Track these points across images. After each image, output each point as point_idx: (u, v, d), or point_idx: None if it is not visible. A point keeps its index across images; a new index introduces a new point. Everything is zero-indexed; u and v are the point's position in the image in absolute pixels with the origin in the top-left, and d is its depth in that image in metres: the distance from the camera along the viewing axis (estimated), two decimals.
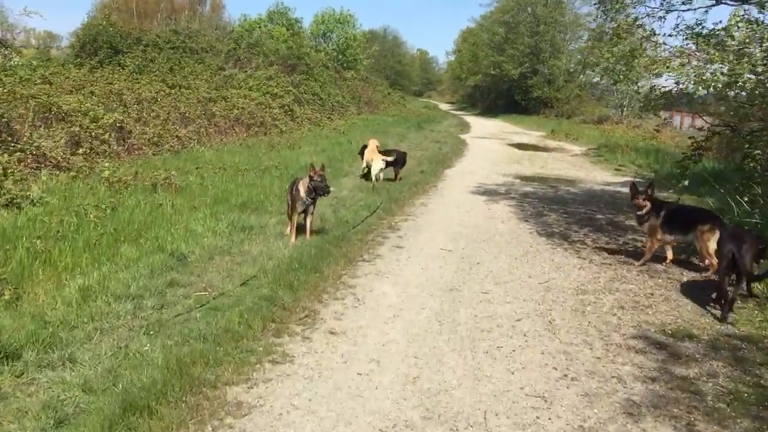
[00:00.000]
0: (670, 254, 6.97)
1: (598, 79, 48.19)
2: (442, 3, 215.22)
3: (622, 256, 7.23)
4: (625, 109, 37.27)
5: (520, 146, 23.31)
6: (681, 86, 7.68)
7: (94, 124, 12.19)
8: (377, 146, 12.24)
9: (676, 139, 26.59)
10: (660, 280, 6.37)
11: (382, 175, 11.84)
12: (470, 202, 10.42)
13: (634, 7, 9.23)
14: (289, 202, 7.48)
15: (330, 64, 35.51)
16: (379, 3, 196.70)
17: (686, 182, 9.23)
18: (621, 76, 9.54)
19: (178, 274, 5.79)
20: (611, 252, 7.44)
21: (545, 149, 22.63)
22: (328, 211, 9.03)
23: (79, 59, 21.32)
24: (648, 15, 9.14)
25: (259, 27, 38.19)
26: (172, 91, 18.33)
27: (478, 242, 7.60)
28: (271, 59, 26.67)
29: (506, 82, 51.90)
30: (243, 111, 19.33)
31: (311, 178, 7.26)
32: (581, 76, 49.62)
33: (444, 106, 73.41)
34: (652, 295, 5.87)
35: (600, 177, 14.80)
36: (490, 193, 11.48)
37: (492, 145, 22.84)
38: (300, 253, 6.60)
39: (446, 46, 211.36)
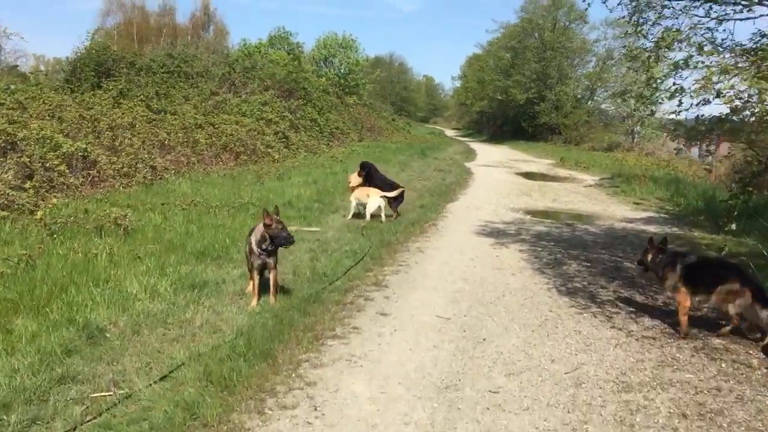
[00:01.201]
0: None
1: (608, 105, 47.86)
2: (448, 30, 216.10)
3: (666, 325, 5.70)
4: (636, 135, 35.81)
5: (529, 176, 21.88)
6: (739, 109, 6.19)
7: (53, 153, 10.85)
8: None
9: (693, 168, 25.21)
10: (723, 364, 4.84)
11: (383, 215, 10.46)
12: (475, 246, 8.93)
13: (676, 18, 7.73)
14: (247, 255, 6.01)
15: (331, 90, 34.38)
16: (385, 31, 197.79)
17: (734, 225, 7.74)
18: (661, 99, 7.98)
19: (81, 360, 4.33)
20: (652, 317, 5.92)
21: (556, 179, 21.20)
22: (305, 259, 7.58)
23: (69, 84, 20.14)
24: (692, 27, 7.65)
25: (259, 51, 37.17)
26: (157, 116, 17.08)
27: (484, 305, 6.09)
28: (267, 84, 25.47)
29: (513, 108, 50.84)
30: (231, 138, 18.00)
31: (267, 226, 5.80)
32: (589, 102, 48.53)
33: (450, 133, 72.38)
34: (719, 391, 4.34)
35: (619, 212, 13.30)
36: (497, 233, 9.98)
37: (499, 175, 21.42)
38: (255, 323, 5.13)
39: (452, 73, 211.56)
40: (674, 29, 7.57)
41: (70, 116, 13.93)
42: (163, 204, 9.89)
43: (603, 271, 7.64)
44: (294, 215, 10.38)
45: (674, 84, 7.35)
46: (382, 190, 10.73)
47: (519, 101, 47.09)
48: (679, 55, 7.46)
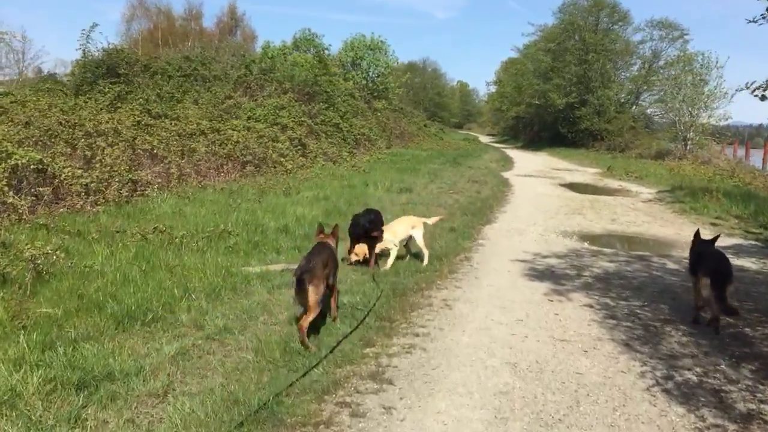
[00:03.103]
0: None
1: (654, 109, 44.74)
2: (483, 37, 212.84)
3: None
4: (689, 142, 32.79)
5: (576, 188, 19.30)
6: None
7: None
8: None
9: (759, 179, 22.30)
10: None
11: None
12: (523, 296, 6.52)
13: None
14: None
15: (358, 94, 32.21)
16: (419, 39, 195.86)
17: None
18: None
19: None
20: None
21: (607, 192, 18.59)
22: (282, 318, 5.32)
23: (81, 88, 18.37)
24: None
25: (283, 54, 35.25)
26: (154, 122, 15.09)
27: (548, 427, 3.71)
28: (286, 86, 23.38)
29: (551, 113, 48.12)
30: (237, 146, 15.89)
31: None
32: (633, 107, 45.54)
33: (484, 139, 69.80)
34: None
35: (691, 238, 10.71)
36: (551, 274, 7.54)
37: (541, 187, 18.88)
38: None
39: (486, 78, 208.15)
40: None
41: (48, 122, 12.01)
42: (117, 232, 7.72)
43: (719, 346, 5.16)
44: (287, 245, 8.13)
45: None
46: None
47: (558, 106, 44.33)
48: None
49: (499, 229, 10.73)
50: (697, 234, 6.72)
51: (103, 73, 19.14)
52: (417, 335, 5.07)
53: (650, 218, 12.85)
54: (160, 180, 12.26)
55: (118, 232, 7.71)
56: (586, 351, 4.84)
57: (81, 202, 9.78)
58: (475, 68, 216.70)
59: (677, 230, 11.40)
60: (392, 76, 40.42)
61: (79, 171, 10.32)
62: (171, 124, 15.43)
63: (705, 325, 5.62)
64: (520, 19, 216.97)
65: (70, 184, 9.99)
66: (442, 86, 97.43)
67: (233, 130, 17.10)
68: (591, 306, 6.10)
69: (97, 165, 11.05)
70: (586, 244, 9.72)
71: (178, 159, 13.44)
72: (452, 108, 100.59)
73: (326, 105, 24.67)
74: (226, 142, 15.83)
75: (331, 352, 4.57)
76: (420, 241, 7.85)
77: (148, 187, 11.67)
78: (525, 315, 5.73)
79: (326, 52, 36.83)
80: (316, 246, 5.39)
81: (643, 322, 5.63)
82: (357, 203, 12.26)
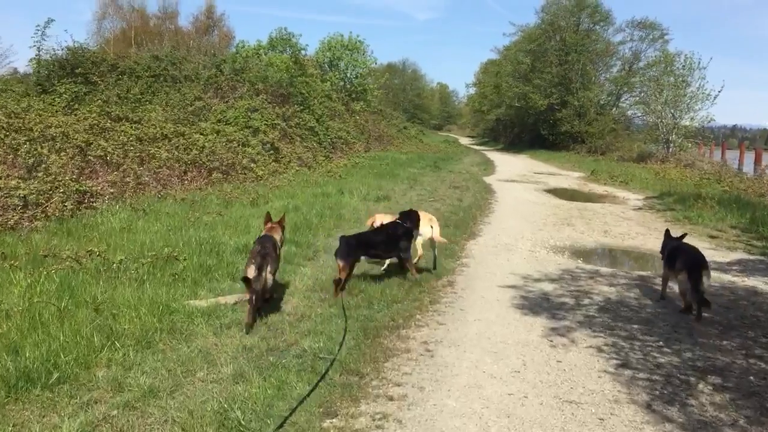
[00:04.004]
0: None
1: (634, 111, 44.30)
2: (463, 38, 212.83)
3: None
4: (671, 145, 32.21)
5: (561, 193, 18.50)
6: None
7: None
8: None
9: (746, 183, 21.63)
10: None
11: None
12: (516, 335, 5.55)
13: None
14: None
15: (335, 95, 31.18)
16: (399, 39, 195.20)
17: None
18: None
19: None
20: None
21: (593, 198, 17.79)
22: (226, 373, 4.31)
23: (41, 88, 17.03)
24: None
25: (258, 54, 34.09)
26: (113, 125, 13.97)
27: None
28: (258, 87, 22.27)
29: (531, 115, 47.57)
30: (203, 151, 14.81)
31: None
32: (614, 108, 45.05)
33: (464, 141, 69.25)
34: None
35: None
36: (546, 304, 6.59)
37: (526, 193, 18.02)
38: None
39: (466, 80, 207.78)
40: None
41: None
42: (46, 256, 6.64)
43: (761, 404, 4.25)
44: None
45: None
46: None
47: (539, 107, 43.70)
48: None
49: (484, 245, 9.79)
50: (667, 232, 7.39)
51: (66, 72, 17.83)
52: (391, 398, 4.08)
53: (644, 229, 12.02)
54: (113, 190, 11.15)
55: (46, 256, 6.63)
56: (601, 419, 3.88)
57: (16, 218, 8.67)
58: (455, 70, 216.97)
59: None
60: (371, 77, 39.46)
61: (15, 181, 9.21)
62: (131, 127, 14.31)
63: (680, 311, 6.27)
64: (500, 21, 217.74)
65: (6, 197, 8.89)
66: (421, 88, 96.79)
67: (200, 134, 16.04)
68: (598, 349, 5.15)
69: (40, 174, 9.95)
70: (580, 262, 8.82)
71: (135, 166, 12.35)
72: (432, 110, 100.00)
73: (301, 107, 23.64)
74: (191, 147, 14.77)
75: (279, 426, 3.58)
76: (437, 235, 7.65)
77: (99, 198, 10.58)
78: (522, 364, 4.77)
79: (303, 52, 35.78)
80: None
81: (663, 372, 4.70)
82: (330, 215, 11.29)
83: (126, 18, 53.50)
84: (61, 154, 10.84)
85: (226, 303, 5.88)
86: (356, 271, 7.46)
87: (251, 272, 5.36)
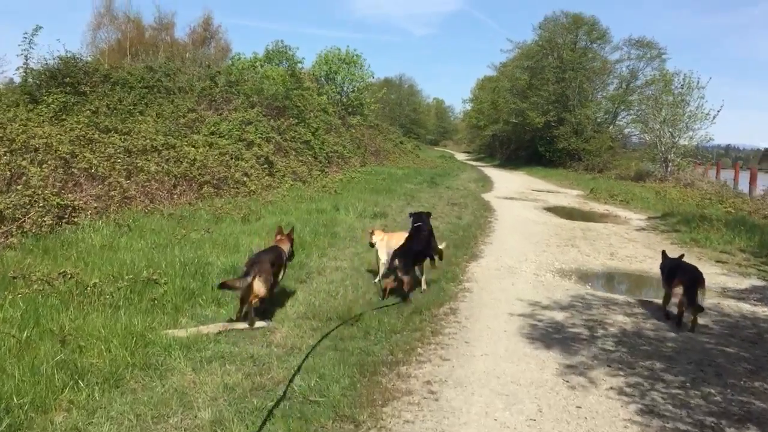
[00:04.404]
0: None
1: (631, 129, 44.10)
2: (459, 54, 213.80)
3: None
4: (670, 164, 31.88)
5: (562, 212, 18.06)
6: None
7: None
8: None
9: (747, 204, 21.24)
10: None
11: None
12: (528, 373, 5.00)
13: None
14: None
15: (331, 109, 30.76)
16: (396, 55, 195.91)
17: None
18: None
19: None
20: None
21: (594, 218, 17.35)
22: (204, 419, 3.79)
23: (32, 98, 16.47)
24: None
25: (254, 66, 33.77)
26: (103, 136, 13.49)
27: None
28: (253, 100, 21.83)
29: (528, 132, 47.35)
30: (194, 164, 14.31)
31: None
32: (611, 126, 44.82)
33: (460, 156, 68.94)
34: None
35: (709, 279, 9.41)
36: (558, 335, 6.06)
37: (526, 211, 17.56)
38: None
39: (462, 96, 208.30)
40: None
41: None
42: (15, 278, 6.10)
43: None
44: (233, 293, 6.59)
45: None
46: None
47: (537, 125, 43.43)
48: None
49: (487, 267, 9.29)
50: (664, 253, 7.67)
51: (58, 82, 17.29)
52: None
53: (651, 252, 11.55)
54: (97, 205, 10.63)
55: (15, 277, 6.10)
56: None
57: None
58: (451, 86, 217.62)
59: None
60: (368, 92, 39.15)
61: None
62: (121, 139, 13.82)
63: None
64: (496, 38, 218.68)
65: None
66: (418, 103, 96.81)
67: (191, 146, 15.54)
68: (621, 391, 4.65)
69: (19, 187, 9.43)
70: (589, 288, 8.33)
71: (122, 179, 11.83)
72: (428, 125, 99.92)
73: (297, 120, 23.20)
74: (182, 159, 14.27)
75: None
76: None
77: (81, 213, 10.05)
78: (537, 410, 4.26)
79: (299, 65, 35.48)
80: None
81: (695, 420, 4.19)
82: (325, 233, 10.79)
83: (121, 29, 53.17)
84: (43, 167, 10.31)
85: (208, 333, 5.35)
86: (350, 295, 6.98)
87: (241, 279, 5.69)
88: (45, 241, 8.30)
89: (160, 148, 14.30)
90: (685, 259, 7.28)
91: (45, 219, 9.02)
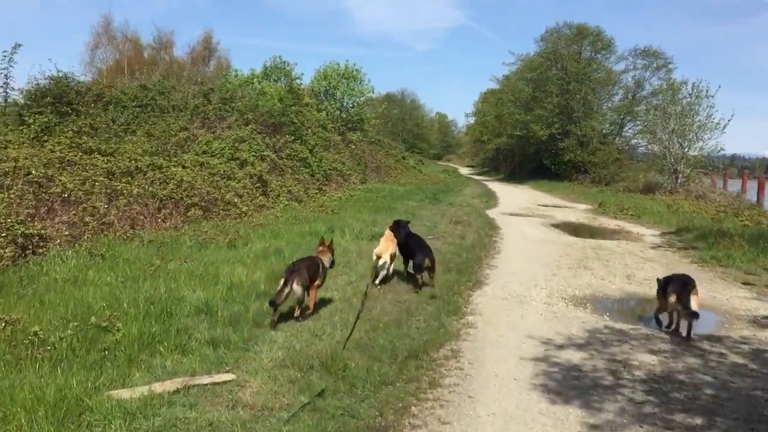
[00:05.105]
0: None
1: (638, 140, 43.27)
2: (461, 69, 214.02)
3: None
4: (680, 175, 30.97)
5: (571, 229, 17.18)
6: None
7: None
8: None
9: (761, 216, 20.31)
10: None
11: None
12: None
13: None
14: None
15: (330, 125, 30.02)
16: (399, 71, 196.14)
17: None
18: None
19: None
20: None
21: (606, 234, 16.48)
22: None
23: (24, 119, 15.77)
24: None
25: (251, 83, 33.16)
26: (83, 158, 12.76)
27: None
28: (248, 117, 21.10)
29: (533, 145, 46.47)
30: (180, 185, 13.54)
31: None
32: (617, 138, 43.95)
33: (464, 171, 68.20)
34: None
35: (741, 305, 8.54)
36: (577, 383, 5.19)
37: (533, 229, 16.68)
38: None
39: (465, 110, 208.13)
40: None
41: None
42: None
43: None
44: (204, 336, 5.76)
45: None
46: None
47: (541, 137, 42.60)
48: None
49: (492, 296, 8.43)
50: (658, 280, 7.65)
51: (48, 102, 16.55)
52: None
53: (670, 273, 10.65)
54: (69, 232, 9.83)
55: None
56: None
57: None
58: (454, 100, 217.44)
59: (710, 292, 9.21)
60: (368, 107, 38.47)
61: None
62: (104, 160, 13.08)
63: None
64: (498, 51, 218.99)
65: None
66: (420, 117, 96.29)
67: (179, 166, 14.79)
68: None
69: None
70: (607, 319, 7.45)
71: (100, 204, 11.05)
72: (431, 139, 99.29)
73: (294, 137, 22.45)
74: (167, 181, 13.50)
75: None
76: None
77: (50, 242, 9.25)
78: None
79: (298, 81, 34.84)
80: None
81: None
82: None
83: (119, 48, 52.74)
84: (10, 192, 9.53)
85: (163, 392, 4.50)
86: (338, 334, 6.13)
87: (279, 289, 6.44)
88: (3, 277, 7.49)
89: (145, 169, 13.54)
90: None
91: (5, 251, 8.23)
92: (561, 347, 6.18)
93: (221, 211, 14.00)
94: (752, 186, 27.31)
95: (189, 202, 13.38)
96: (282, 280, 6.46)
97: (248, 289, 7.54)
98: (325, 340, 5.99)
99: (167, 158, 15.20)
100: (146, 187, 12.67)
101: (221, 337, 5.75)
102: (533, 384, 5.15)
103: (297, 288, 6.49)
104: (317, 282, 7.01)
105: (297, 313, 6.69)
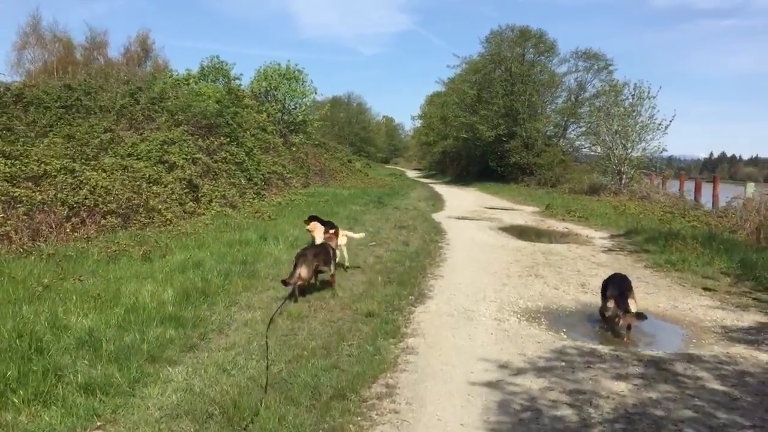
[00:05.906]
0: None
1: (582, 142, 43.49)
2: (408, 73, 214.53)
3: None
4: (624, 176, 30.95)
5: (519, 232, 16.50)
6: None
7: None
8: None
9: (708, 217, 20.03)
10: None
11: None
12: None
13: None
14: None
15: (271, 127, 28.72)
16: (346, 75, 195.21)
17: None
18: None
19: None
20: None
21: (555, 237, 15.87)
22: None
23: None
24: None
25: (187, 83, 31.53)
26: None
27: None
28: (179, 118, 19.71)
29: (479, 147, 46.14)
30: (95, 190, 12.19)
31: None
32: (561, 140, 44.07)
33: (411, 174, 67.59)
34: None
35: (705, 314, 7.85)
36: (537, 426, 4.32)
37: (481, 233, 15.89)
38: None
39: (412, 113, 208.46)
40: None
41: None
42: None
43: None
44: (79, 379, 4.62)
45: None
46: None
47: (487, 139, 42.31)
48: None
49: (436, 312, 7.49)
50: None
51: None
52: None
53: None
54: None
55: None
56: None
57: None
58: (402, 104, 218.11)
59: (670, 300, 8.53)
60: (313, 109, 37.27)
61: None
62: (7, 164, 11.66)
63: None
64: (445, 56, 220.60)
65: None
66: (367, 121, 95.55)
67: (96, 170, 13.41)
68: None
69: None
70: (564, 337, 6.61)
71: None
72: (378, 143, 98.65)
73: (229, 139, 21.15)
74: (80, 186, 12.14)
75: None
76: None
77: None
78: None
79: (237, 81, 33.37)
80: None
81: None
82: (242, 272, 8.84)
83: (48, 48, 50.05)
84: None
85: None
86: (253, 368, 5.08)
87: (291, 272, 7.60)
88: None
89: (55, 174, 12.15)
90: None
91: None
92: (516, 374, 5.27)
93: (143, 219, 12.72)
94: (689, 187, 27.47)
95: (105, 209, 12.07)
96: (292, 265, 7.63)
97: (151, 312, 6.39)
98: (235, 375, 4.94)
99: (85, 161, 13.82)
100: (53, 193, 11.31)
101: (101, 378, 4.62)
102: (485, 429, 4.21)
103: (303, 271, 7.55)
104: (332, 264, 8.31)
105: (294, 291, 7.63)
